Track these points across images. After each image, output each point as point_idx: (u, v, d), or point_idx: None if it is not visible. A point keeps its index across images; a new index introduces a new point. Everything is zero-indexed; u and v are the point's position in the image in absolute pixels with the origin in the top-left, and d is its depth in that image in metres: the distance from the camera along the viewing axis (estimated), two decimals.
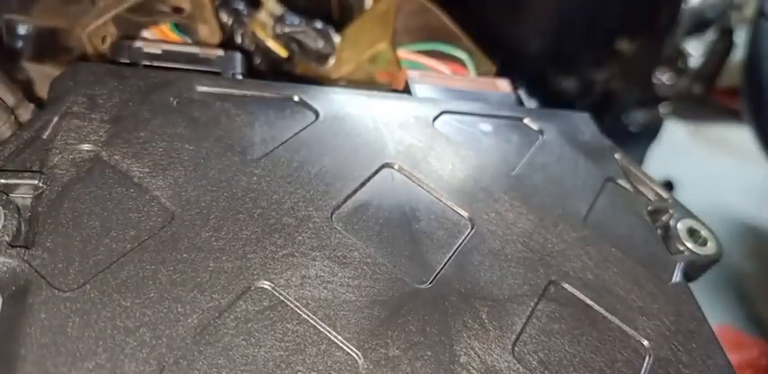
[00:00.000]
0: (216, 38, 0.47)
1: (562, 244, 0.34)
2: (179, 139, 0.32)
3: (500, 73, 0.52)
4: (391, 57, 0.46)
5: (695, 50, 0.97)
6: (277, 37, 0.48)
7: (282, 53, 0.48)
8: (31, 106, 0.34)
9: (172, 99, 0.34)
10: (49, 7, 0.42)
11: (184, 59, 0.40)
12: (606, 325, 0.31)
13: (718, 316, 1.04)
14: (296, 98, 0.37)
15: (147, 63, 0.39)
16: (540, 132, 0.42)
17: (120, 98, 0.33)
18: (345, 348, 0.26)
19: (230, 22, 0.48)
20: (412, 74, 0.45)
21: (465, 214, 0.34)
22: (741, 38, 0.96)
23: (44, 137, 0.30)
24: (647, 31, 0.88)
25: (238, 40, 0.48)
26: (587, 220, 0.36)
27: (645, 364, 0.30)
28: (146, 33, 0.45)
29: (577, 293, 0.32)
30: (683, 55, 0.95)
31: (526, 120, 0.42)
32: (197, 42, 0.46)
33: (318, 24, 0.49)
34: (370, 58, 0.46)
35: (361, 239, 0.30)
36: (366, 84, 0.47)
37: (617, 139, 0.45)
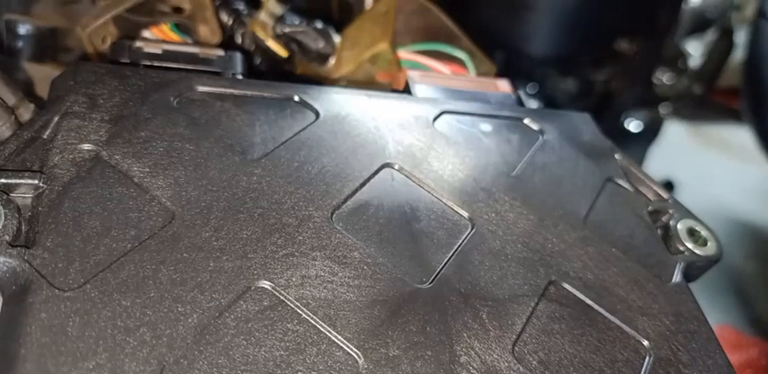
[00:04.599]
0: (216, 38, 0.47)
1: (562, 245, 0.34)
2: (179, 139, 0.32)
3: (500, 73, 0.52)
4: (391, 57, 0.46)
5: (695, 50, 0.97)
6: (277, 37, 0.48)
7: (282, 53, 0.48)
8: (32, 106, 0.34)
9: (172, 99, 0.34)
10: (48, 7, 0.42)
11: (185, 59, 0.40)
12: (606, 324, 0.31)
13: (718, 316, 1.04)
14: (296, 98, 0.37)
15: (148, 63, 0.39)
16: (541, 132, 0.42)
17: (120, 98, 0.33)
18: (345, 348, 0.26)
19: (230, 22, 0.48)
20: (412, 74, 0.45)
21: (465, 214, 0.34)
22: (741, 38, 0.96)
23: (44, 136, 0.30)
24: (648, 31, 0.88)
25: (238, 40, 0.48)
26: (587, 220, 0.37)
27: (645, 364, 0.30)
28: (146, 33, 0.45)
29: (577, 293, 0.32)
30: (682, 55, 0.95)
31: (526, 121, 0.42)
32: (197, 42, 0.46)
33: (318, 24, 0.49)
34: (370, 59, 0.46)
35: (362, 239, 0.30)
36: (366, 84, 0.47)
37: (617, 139, 0.45)
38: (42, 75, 0.41)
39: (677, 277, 0.35)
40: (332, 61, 0.48)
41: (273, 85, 0.37)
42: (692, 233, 0.38)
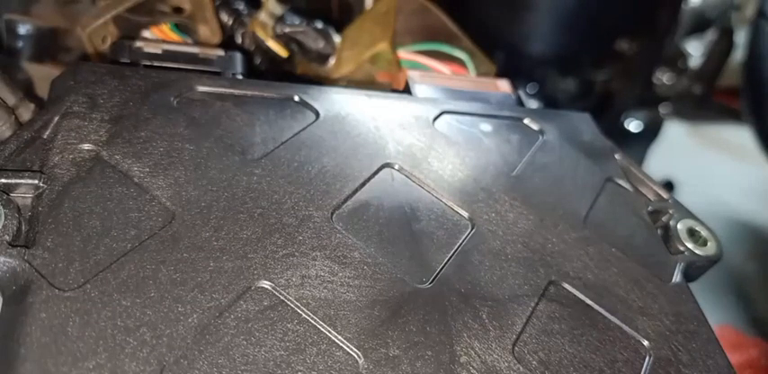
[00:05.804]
0: (216, 38, 0.47)
1: (562, 245, 0.34)
2: (179, 139, 0.32)
3: (500, 73, 0.52)
4: (391, 57, 0.46)
5: (695, 50, 0.97)
6: (277, 37, 0.48)
7: (282, 53, 0.48)
8: (32, 106, 0.34)
9: (172, 99, 0.34)
10: (49, 7, 0.42)
11: (185, 59, 0.40)
12: (606, 325, 0.31)
13: (718, 316, 1.04)
14: (296, 98, 0.37)
15: (148, 63, 0.39)
16: (541, 132, 0.42)
17: (120, 98, 0.33)
18: (345, 348, 0.26)
19: (230, 22, 0.48)
20: (412, 74, 0.45)
21: (465, 214, 0.34)
22: (741, 38, 0.96)
23: (44, 136, 0.30)
24: (648, 31, 0.88)
25: (238, 40, 0.48)
26: (587, 220, 0.36)
27: (645, 364, 0.30)
28: (146, 33, 0.45)
29: (577, 293, 0.32)
30: (683, 55, 0.95)
31: (526, 121, 0.43)
32: (197, 42, 0.46)
33: (318, 24, 0.49)
34: (370, 59, 0.46)
35: (362, 239, 0.30)
36: (366, 84, 0.47)
37: (617, 139, 0.45)
38: (42, 75, 0.41)
39: (677, 277, 0.35)
40: (332, 61, 0.48)
41: (273, 85, 0.37)
42: (692, 233, 0.38)
